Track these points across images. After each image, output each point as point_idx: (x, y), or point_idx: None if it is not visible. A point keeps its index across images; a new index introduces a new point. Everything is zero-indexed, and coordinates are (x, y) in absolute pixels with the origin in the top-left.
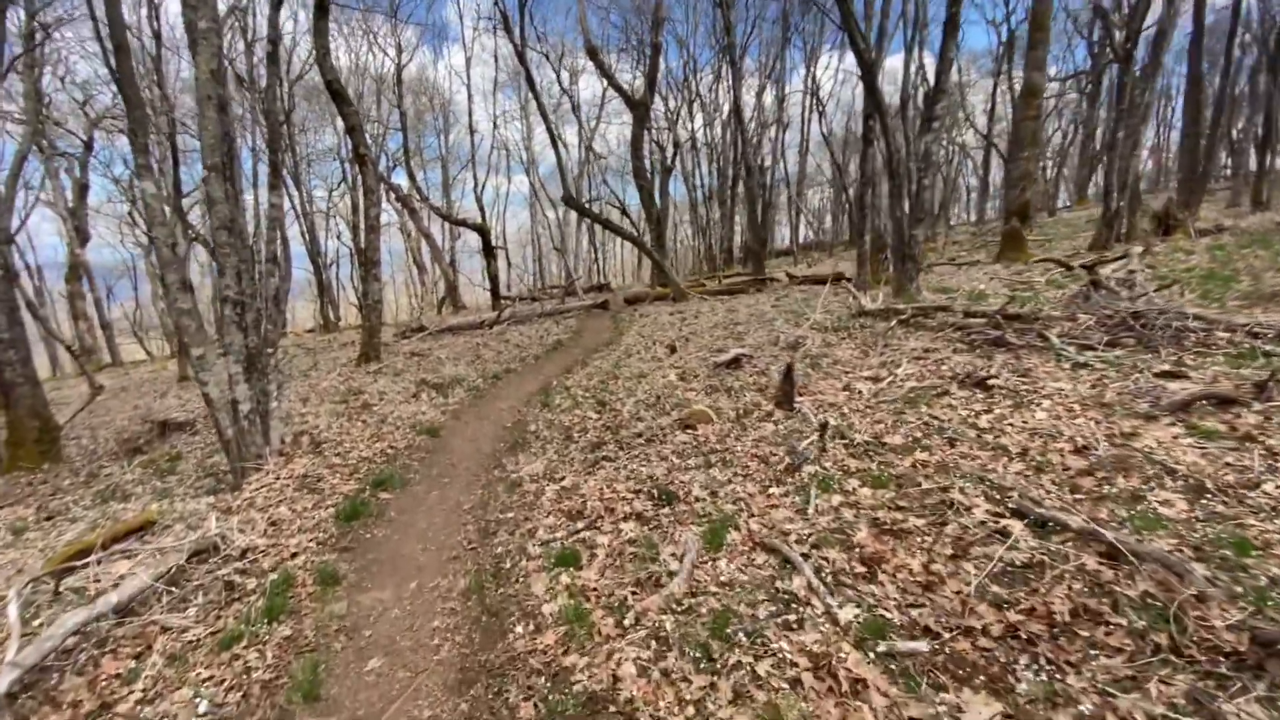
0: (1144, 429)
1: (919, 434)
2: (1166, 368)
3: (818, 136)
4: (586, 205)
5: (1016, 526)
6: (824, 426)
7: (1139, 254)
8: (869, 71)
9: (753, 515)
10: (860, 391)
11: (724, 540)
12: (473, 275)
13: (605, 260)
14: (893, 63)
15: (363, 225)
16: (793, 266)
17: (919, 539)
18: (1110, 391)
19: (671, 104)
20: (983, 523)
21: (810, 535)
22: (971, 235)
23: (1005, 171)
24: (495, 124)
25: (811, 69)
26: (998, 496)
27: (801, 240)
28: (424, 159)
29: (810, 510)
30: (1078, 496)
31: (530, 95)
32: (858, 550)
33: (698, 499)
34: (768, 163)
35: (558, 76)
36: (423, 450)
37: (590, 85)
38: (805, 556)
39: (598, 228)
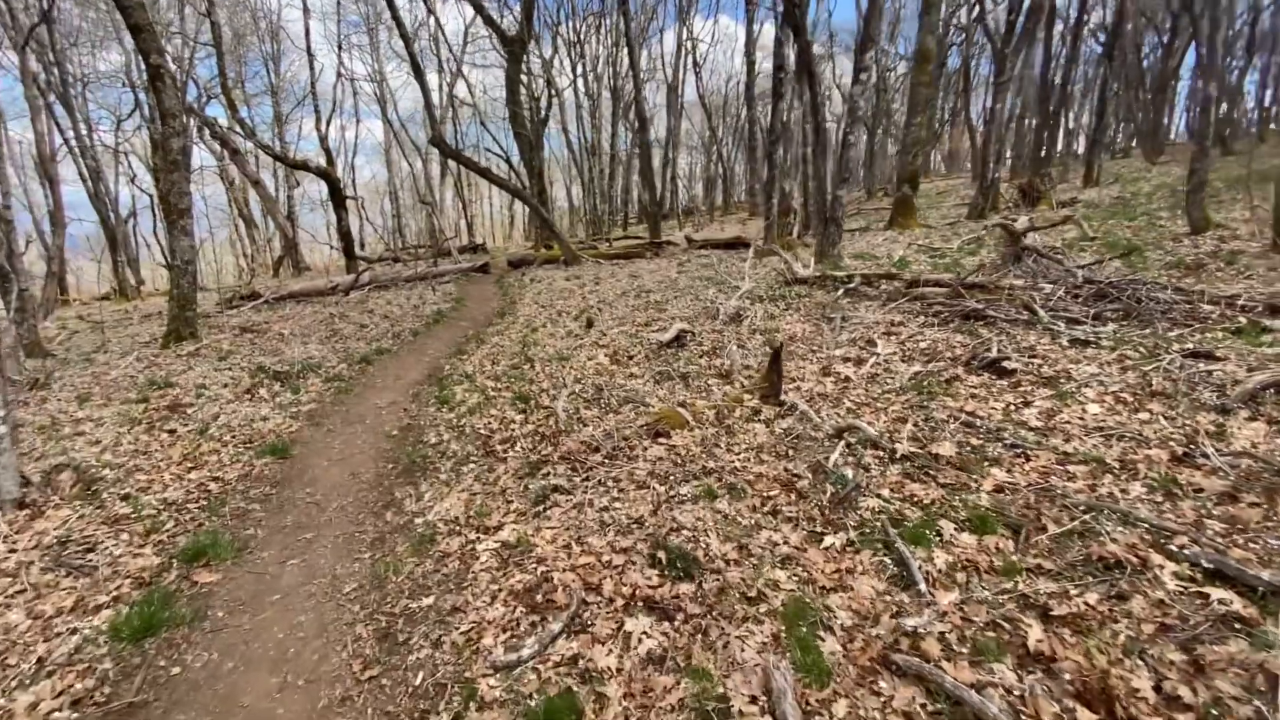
0: (1229, 426)
1: (969, 439)
2: (1190, 346)
3: (690, 98)
4: (460, 152)
5: (1230, 597)
6: (842, 432)
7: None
8: (795, 8)
9: (826, 590)
10: (847, 378)
11: (821, 659)
12: (316, 231)
13: (472, 219)
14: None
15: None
16: (676, 230)
17: (1113, 633)
18: (1155, 378)
19: (546, 51)
20: (1180, 593)
21: (950, 633)
22: (856, 203)
23: (901, 138)
24: (340, 53)
25: (687, 25)
26: (1161, 542)
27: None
28: (247, 93)
29: (922, 586)
30: (1251, 536)
31: (386, 24)
32: (1045, 664)
33: (728, 561)
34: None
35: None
36: (268, 481)
37: (453, 17)
38: (977, 689)
39: (465, 182)
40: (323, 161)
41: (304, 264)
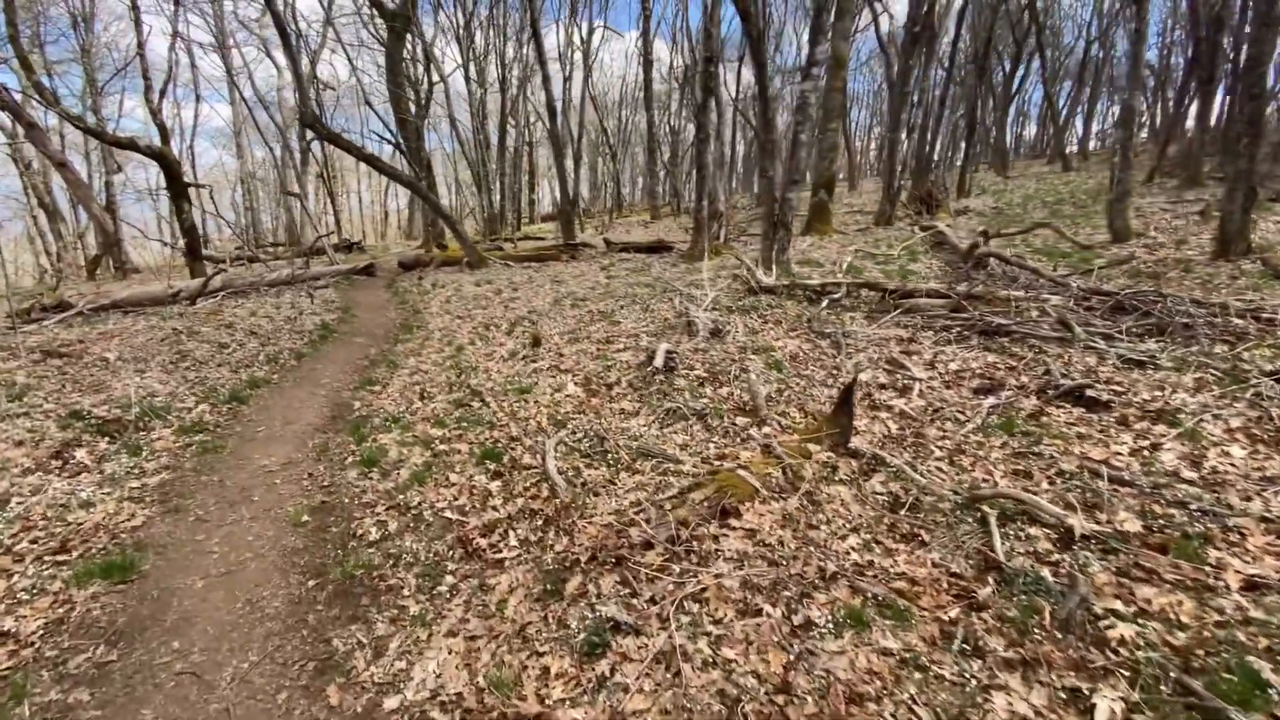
0: None
1: (1140, 504)
2: (1271, 367)
3: (577, 98)
4: (339, 134)
5: None
6: (979, 501)
7: (945, 226)
8: None
9: None
10: (902, 412)
11: None
12: (145, 225)
13: (339, 215)
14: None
15: None
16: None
17: None
18: (1273, 409)
19: (428, 33)
20: None
21: None
22: (748, 210)
23: (816, 144)
24: (178, 8)
25: (577, 22)
26: None
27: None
28: (48, 59)
29: None
30: None
31: None
32: None
33: None
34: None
35: None
36: (102, 634)
37: None
38: None
39: (331, 173)
40: (155, 139)
41: (130, 265)
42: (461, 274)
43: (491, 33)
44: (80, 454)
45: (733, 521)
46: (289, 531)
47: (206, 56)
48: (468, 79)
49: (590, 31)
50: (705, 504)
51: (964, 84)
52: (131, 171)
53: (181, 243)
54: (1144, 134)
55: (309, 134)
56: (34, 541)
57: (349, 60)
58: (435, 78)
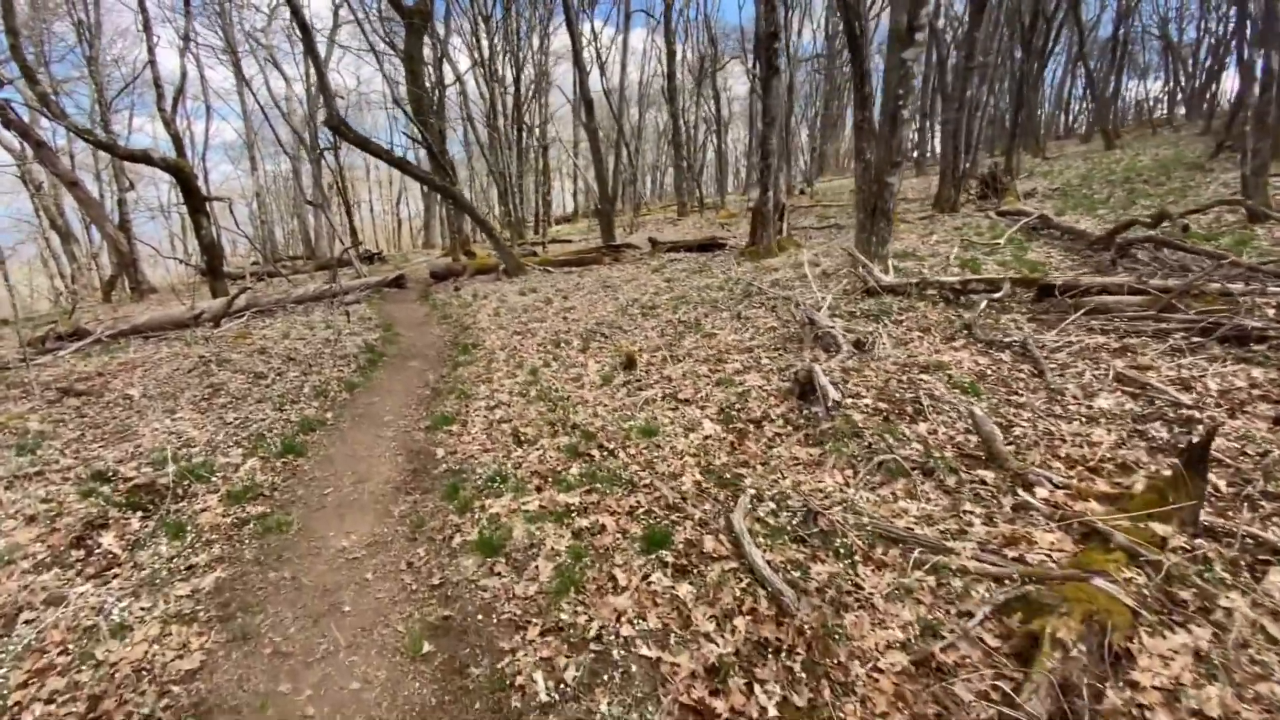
0: None
1: None
2: None
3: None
4: (368, 139)
5: None
6: None
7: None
8: None
9: None
10: (1223, 462)
11: None
12: (159, 244)
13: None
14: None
15: None
16: (585, 232)
17: None
18: None
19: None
20: None
21: None
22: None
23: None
24: (189, 11)
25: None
26: None
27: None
28: (55, 78)
29: None
30: None
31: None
32: None
33: None
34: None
35: None
36: None
37: None
38: None
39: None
40: (169, 151)
41: (146, 285)
42: (500, 283)
43: (506, 30)
44: (107, 539)
45: (1135, 676)
46: (408, 672)
47: (216, 69)
48: (488, 78)
49: (604, 24)
50: (1077, 641)
51: (1008, 58)
52: (143, 189)
53: (201, 260)
54: (1179, 109)
55: (322, 143)
56: (50, 700)
57: (377, 59)
58: (451, 77)
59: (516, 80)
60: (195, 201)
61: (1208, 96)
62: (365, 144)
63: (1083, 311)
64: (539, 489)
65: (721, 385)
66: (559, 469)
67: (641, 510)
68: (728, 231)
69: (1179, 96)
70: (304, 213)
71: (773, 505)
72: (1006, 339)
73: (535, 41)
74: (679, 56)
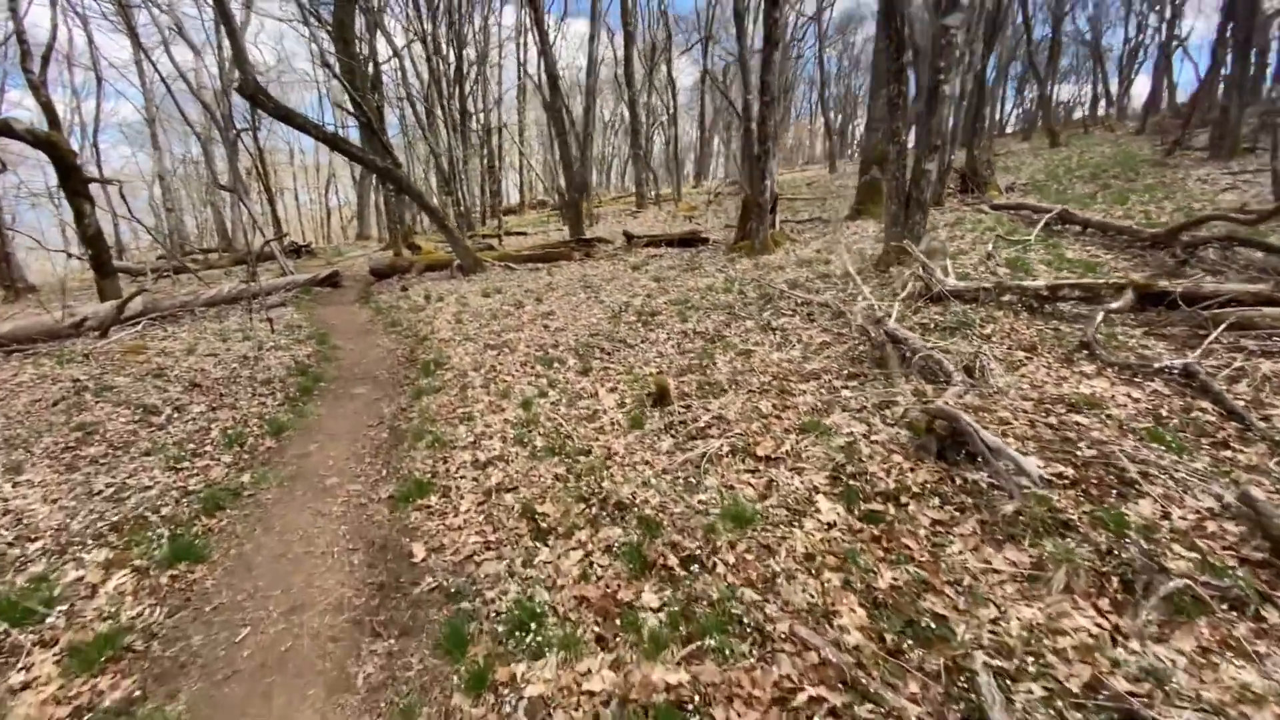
0: None
1: None
2: None
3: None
4: (292, 110)
5: None
6: None
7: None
8: None
9: None
10: None
11: None
12: (45, 236)
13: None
14: None
15: None
16: (548, 224)
17: None
18: None
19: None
20: None
21: None
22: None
23: (867, 114)
24: None
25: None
26: None
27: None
28: None
29: None
30: None
31: None
32: None
33: None
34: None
35: None
36: None
37: None
38: None
39: (262, 167)
40: (40, 122)
41: (23, 284)
42: (455, 281)
43: (448, 4)
44: None
45: None
46: None
47: (110, 36)
48: (428, 53)
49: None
50: None
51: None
52: (28, 172)
53: (84, 255)
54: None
55: (239, 122)
56: None
57: (310, 19)
58: (386, 53)
59: (459, 59)
60: (74, 184)
61: (1128, 98)
62: (289, 117)
63: (1224, 326)
64: (602, 642)
65: (809, 433)
66: (622, 594)
67: (802, 703)
68: (700, 224)
69: (1101, 99)
70: (218, 200)
71: (1036, 688)
72: (1148, 363)
73: (477, 21)
74: (594, 54)
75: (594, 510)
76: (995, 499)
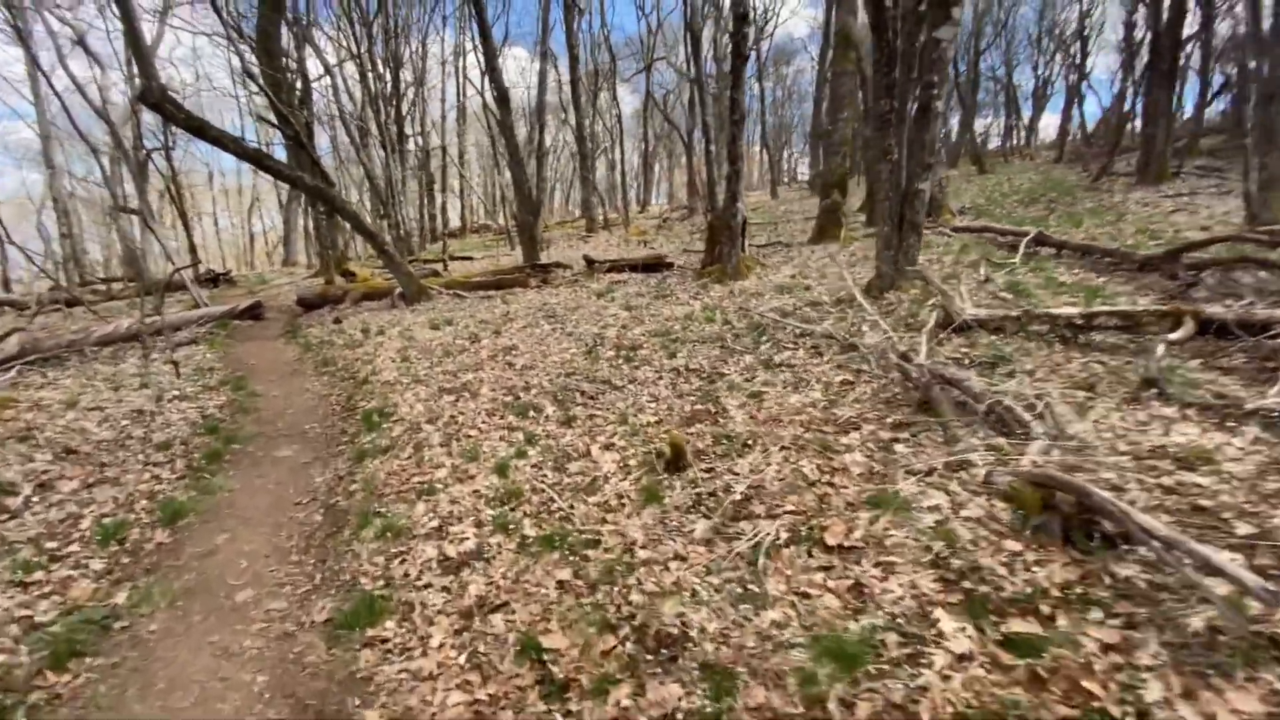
0: None
1: None
2: None
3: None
4: (206, 122)
5: None
6: None
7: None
8: None
9: None
10: None
11: None
12: None
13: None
14: None
15: None
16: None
17: None
18: None
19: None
20: None
21: None
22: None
23: (824, 138)
24: None
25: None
26: None
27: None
28: None
29: None
30: None
31: None
32: None
33: None
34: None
35: None
36: None
37: None
38: None
39: (175, 189)
40: None
41: None
42: (397, 311)
43: (385, 24)
44: None
45: None
46: None
47: (3, 48)
48: (361, 71)
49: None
50: None
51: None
52: None
53: None
54: (1022, 139)
55: (149, 142)
56: None
57: (232, 35)
58: (317, 70)
59: (395, 80)
60: None
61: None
62: (202, 129)
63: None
64: None
65: (880, 508)
66: None
67: None
68: (656, 248)
69: (1012, 130)
70: (124, 225)
71: None
72: (1235, 403)
73: (414, 43)
74: (545, 75)
75: (628, 646)
76: (1172, 608)
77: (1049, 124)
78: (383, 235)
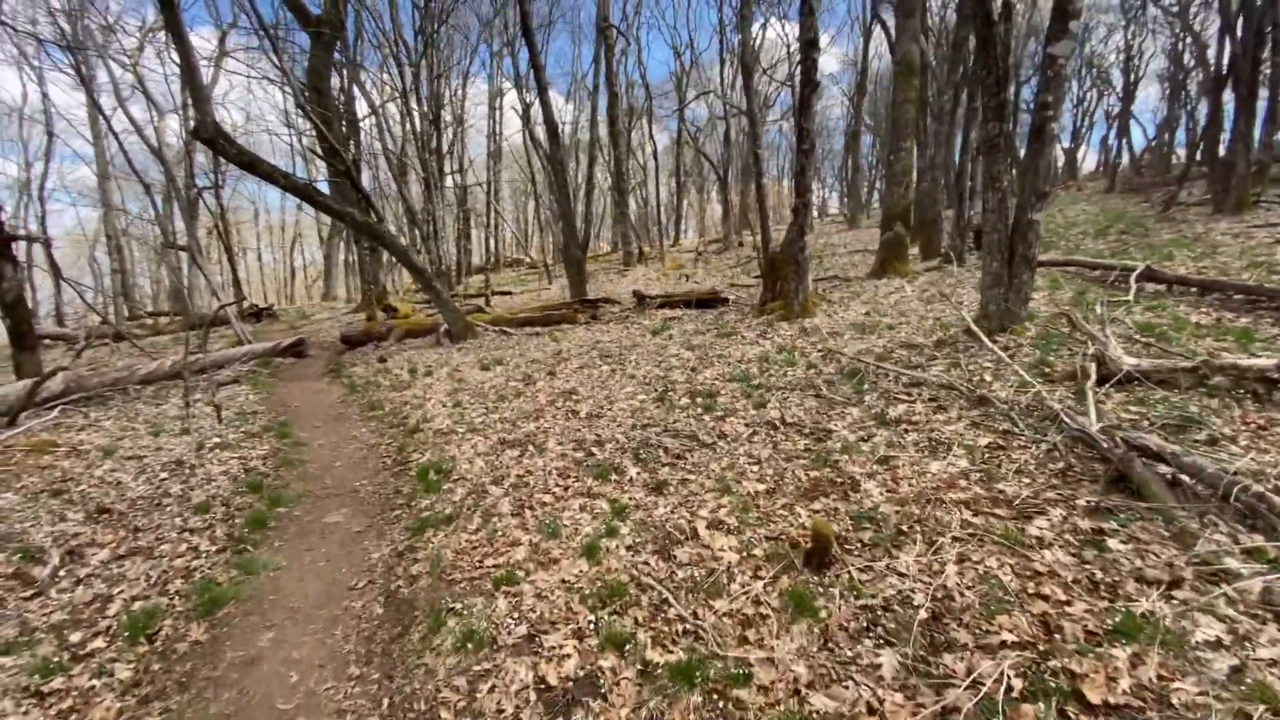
0: None
1: None
2: None
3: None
4: (258, 157)
5: None
6: None
7: None
8: None
9: None
10: None
11: None
12: None
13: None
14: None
15: None
16: (519, 283)
17: None
18: None
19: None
20: None
21: None
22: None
23: (887, 167)
24: None
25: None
26: None
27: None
28: None
29: None
30: None
31: None
32: None
33: None
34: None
35: None
36: None
37: None
38: None
39: (223, 226)
40: None
41: None
42: (444, 349)
43: (428, 63)
44: None
45: None
46: None
47: (69, 93)
48: (404, 108)
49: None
50: None
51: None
52: None
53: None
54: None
55: (200, 180)
56: None
57: (285, 77)
58: (364, 110)
59: (436, 119)
60: None
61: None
62: (254, 164)
63: None
64: None
65: (1130, 641)
66: None
67: None
68: (699, 281)
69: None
70: (174, 262)
71: None
72: None
73: (454, 84)
74: (596, 111)
75: None
76: None
77: (1083, 156)
78: (430, 271)
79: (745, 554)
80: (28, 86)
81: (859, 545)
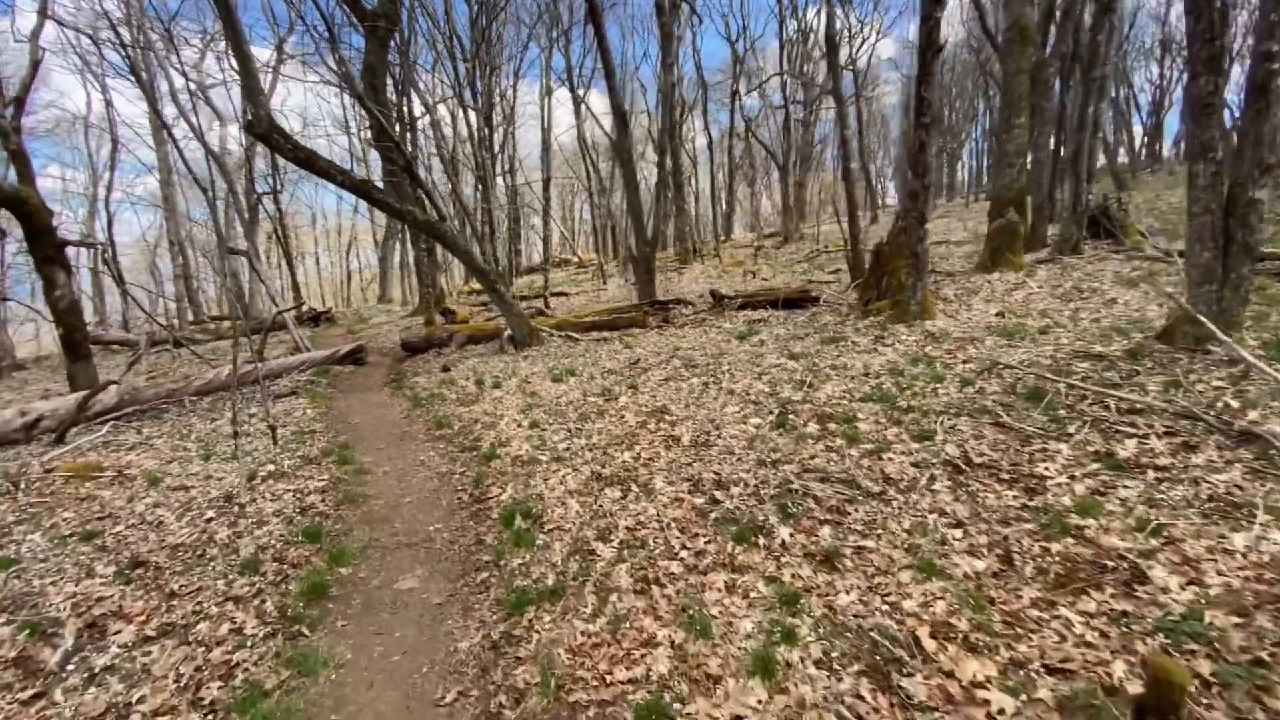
0: None
1: None
2: None
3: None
4: (314, 153)
5: None
6: None
7: None
8: None
9: None
10: None
11: None
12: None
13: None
14: None
15: None
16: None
17: None
18: None
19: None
20: None
21: None
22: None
23: (997, 146)
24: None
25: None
26: None
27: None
28: None
29: None
30: None
31: None
32: None
33: None
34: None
35: None
36: None
37: None
38: None
39: (282, 231)
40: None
41: (8, 361)
42: (508, 356)
43: (479, 62)
44: None
45: None
46: None
47: (134, 103)
48: (461, 105)
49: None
50: None
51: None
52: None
53: (56, 332)
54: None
55: (260, 186)
56: None
57: (344, 76)
58: (420, 109)
59: (488, 117)
60: (45, 248)
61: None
62: (310, 160)
63: None
64: None
65: None
66: None
67: None
68: (765, 279)
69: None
70: (235, 267)
71: None
72: None
73: (504, 83)
74: (648, 112)
75: None
76: None
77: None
78: (493, 273)
79: (1023, 695)
80: (91, 95)
81: (1199, 684)
